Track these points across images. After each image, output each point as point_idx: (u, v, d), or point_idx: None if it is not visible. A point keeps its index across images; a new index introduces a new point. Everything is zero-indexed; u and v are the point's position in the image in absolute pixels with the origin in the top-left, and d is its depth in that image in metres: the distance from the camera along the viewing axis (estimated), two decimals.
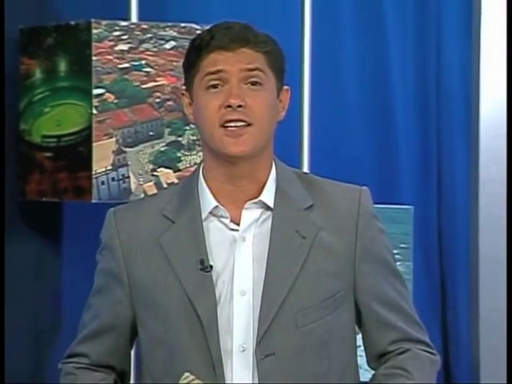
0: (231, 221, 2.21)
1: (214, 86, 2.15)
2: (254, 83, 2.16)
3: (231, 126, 2.15)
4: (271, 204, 2.21)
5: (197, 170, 2.27)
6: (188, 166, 3.28)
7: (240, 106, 2.14)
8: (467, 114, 3.51)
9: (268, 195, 2.22)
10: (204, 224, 2.22)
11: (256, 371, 2.17)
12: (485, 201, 3.36)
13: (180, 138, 3.29)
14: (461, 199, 3.67)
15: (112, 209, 2.31)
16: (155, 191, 3.19)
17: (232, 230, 2.20)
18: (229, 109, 2.14)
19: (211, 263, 2.19)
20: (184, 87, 2.24)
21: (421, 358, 2.25)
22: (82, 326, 2.30)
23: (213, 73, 2.15)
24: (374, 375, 2.25)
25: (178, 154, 3.29)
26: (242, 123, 2.15)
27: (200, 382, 2.14)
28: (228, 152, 2.16)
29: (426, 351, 2.26)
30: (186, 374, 2.17)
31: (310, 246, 2.20)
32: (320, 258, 2.20)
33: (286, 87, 2.22)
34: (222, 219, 2.21)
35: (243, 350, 2.18)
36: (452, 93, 3.78)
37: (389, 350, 2.25)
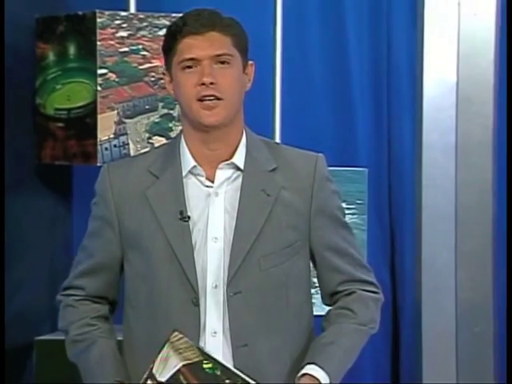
0: (207, 178, 2.22)
1: (189, 67, 2.18)
2: (222, 62, 2.18)
3: (206, 100, 2.16)
4: (241, 166, 2.23)
5: (179, 136, 2.29)
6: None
7: (212, 84, 2.16)
8: (413, 89, 3.50)
9: (239, 158, 2.24)
10: (184, 180, 2.23)
11: (226, 306, 2.18)
12: (427, 163, 3.34)
13: (172, 111, 3.27)
14: (407, 162, 3.65)
15: (106, 164, 2.34)
16: None
17: (207, 186, 2.22)
18: (203, 86, 2.15)
19: (189, 214, 2.21)
20: (165, 67, 2.26)
21: (364, 299, 2.27)
22: (77, 263, 2.33)
23: (189, 58, 2.17)
24: (327, 313, 2.28)
25: (170, 125, 3.27)
26: (214, 98, 2.17)
27: (189, 340, 2.13)
28: (204, 122, 2.18)
29: (369, 291, 2.28)
30: (176, 333, 2.15)
31: (274, 202, 2.22)
32: (281, 213, 2.22)
33: (250, 62, 2.24)
34: (198, 177, 2.23)
35: (215, 287, 2.19)
36: (400, 71, 3.75)
37: (338, 290, 2.28)
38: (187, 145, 2.26)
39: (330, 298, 2.29)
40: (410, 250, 3.57)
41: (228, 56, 2.18)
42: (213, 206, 2.22)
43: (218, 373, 2.11)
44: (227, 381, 2.11)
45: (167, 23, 3.23)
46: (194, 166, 2.22)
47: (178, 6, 3.33)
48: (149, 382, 2.11)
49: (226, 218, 2.21)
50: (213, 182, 2.23)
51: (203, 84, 2.16)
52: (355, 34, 3.78)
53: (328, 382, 2.14)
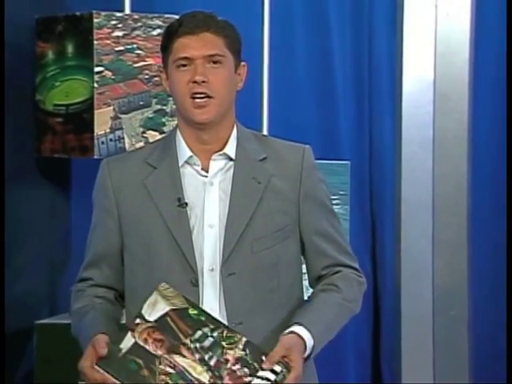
0: (202, 169, 2.23)
1: (184, 65, 2.18)
2: (215, 62, 2.18)
3: (198, 98, 2.17)
4: (233, 156, 2.24)
5: (174, 129, 2.30)
6: (171, 129, 3.29)
7: (204, 82, 2.16)
8: (392, 86, 3.50)
9: (230, 149, 2.25)
10: (180, 170, 2.24)
11: (221, 287, 2.19)
12: (406, 157, 3.34)
13: (165, 107, 3.27)
14: (387, 155, 3.66)
15: (105, 159, 2.34)
16: None
17: (202, 176, 2.23)
18: (195, 84, 2.16)
19: (186, 201, 2.21)
20: (162, 65, 2.25)
21: (349, 278, 2.28)
22: (85, 257, 2.34)
23: (183, 57, 2.17)
24: (313, 291, 2.28)
25: (163, 120, 3.28)
26: (206, 96, 2.17)
27: (177, 292, 2.15)
28: (195, 119, 2.19)
29: (354, 274, 2.30)
30: (163, 283, 2.17)
31: (264, 189, 2.23)
32: (272, 199, 2.23)
33: (242, 63, 2.24)
34: (194, 167, 2.23)
35: (212, 270, 2.20)
36: (381, 70, 3.76)
37: (322, 273, 2.28)
38: (183, 137, 2.26)
39: (316, 281, 2.30)
40: (389, 238, 3.58)
41: (220, 56, 2.19)
42: (208, 195, 2.22)
43: (203, 318, 2.13)
44: (211, 326, 2.12)
45: (160, 23, 3.27)
46: (191, 156, 2.23)
47: (170, 7, 3.42)
48: (137, 320, 2.11)
49: (221, 205, 2.21)
50: (207, 172, 2.23)
51: (195, 82, 2.16)
52: (338, 34, 3.78)
53: (312, 343, 2.15)
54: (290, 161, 2.27)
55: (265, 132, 3.30)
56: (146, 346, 2.10)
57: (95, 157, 3.18)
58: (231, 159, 2.25)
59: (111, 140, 3.22)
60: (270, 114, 3.35)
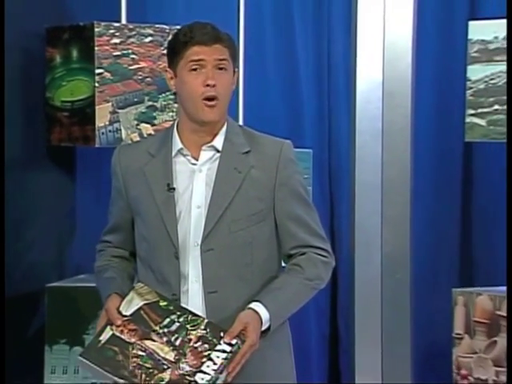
0: (192, 157, 2.23)
1: (195, 69, 2.17)
2: (221, 68, 2.18)
3: (209, 100, 2.17)
4: (220, 148, 2.24)
5: (172, 125, 2.29)
6: (161, 122, 3.25)
7: (214, 86, 2.16)
8: (348, 84, 3.44)
9: (218, 142, 2.24)
10: (174, 159, 2.24)
11: (201, 260, 2.19)
12: (359, 145, 3.30)
13: (155, 103, 3.26)
14: (344, 144, 3.62)
15: (118, 147, 2.36)
16: (138, 139, 3.17)
17: (193, 164, 2.23)
18: (207, 87, 2.16)
19: (174, 186, 2.21)
20: (167, 65, 2.24)
21: (313, 259, 2.26)
22: (107, 224, 2.38)
23: (195, 60, 2.17)
24: (280, 271, 2.29)
25: (154, 114, 3.26)
26: (214, 98, 2.17)
27: (151, 289, 2.18)
28: (205, 119, 2.19)
29: (320, 255, 2.26)
30: (140, 283, 2.22)
31: (243, 178, 2.22)
32: (249, 187, 2.22)
33: (236, 69, 2.25)
34: (187, 157, 2.23)
35: (196, 245, 2.20)
36: (338, 71, 3.73)
37: (291, 253, 2.26)
38: (178, 132, 2.25)
39: (287, 259, 2.28)
40: (345, 214, 3.57)
41: (226, 62, 2.19)
42: (196, 180, 2.22)
43: (171, 308, 2.15)
44: (178, 313, 2.14)
45: (151, 32, 3.26)
46: (182, 148, 2.24)
47: (160, 19, 3.43)
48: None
49: (207, 190, 2.21)
50: (197, 160, 2.24)
51: (208, 85, 2.16)
52: (302, 38, 3.76)
53: (268, 317, 2.14)
54: (270, 154, 2.25)
55: (240, 122, 3.27)
56: (122, 336, 2.12)
57: (96, 145, 3.19)
58: (218, 151, 2.24)
59: (110, 131, 3.21)
60: (245, 107, 3.34)
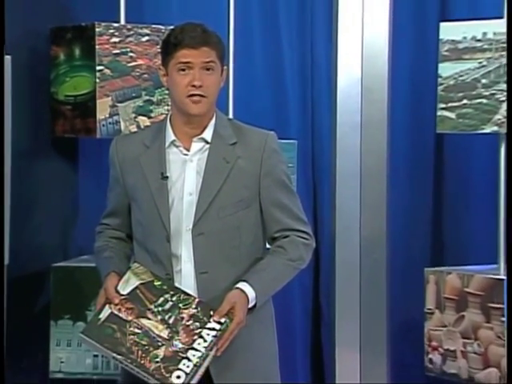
0: (184, 148, 2.24)
1: (183, 70, 2.17)
2: (207, 69, 2.18)
3: (194, 96, 2.18)
4: (209, 140, 2.24)
5: (166, 118, 2.29)
6: (157, 115, 3.25)
7: (200, 86, 2.17)
8: (330, 81, 3.41)
9: (208, 134, 2.24)
10: (167, 150, 2.24)
11: (192, 243, 2.19)
12: (339, 136, 3.30)
13: (152, 98, 3.27)
14: (326, 135, 3.59)
15: (115, 137, 2.36)
16: (136, 130, 3.17)
17: (184, 154, 2.24)
18: (193, 87, 2.17)
19: (167, 175, 2.21)
20: (160, 64, 2.24)
21: (296, 241, 2.26)
22: (106, 207, 2.38)
23: (184, 62, 2.17)
24: (265, 253, 2.28)
25: (151, 108, 3.27)
26: (200, 95, 2.18)
27: (146, 269, 2.18)
28: (191, 112, 2.20)
29: (302, 237, 2.26)
30: (136, 263, 2.20)
31: (231, 168, 2.22)
32: (237, 176, 2.23)
33: (225, 67, 2.25)
34: (179, 148, 2.24)
35: (188, 230, 2.20)
36: (321, 67, 3.69)
37: (275, 236, 2.27)
38: (171, 124, 2.26)
39: (271, 241, 2.29)
40: (327, 200, 3.55)
41: (213, 64, 2.19)
42: (188, 169, 2.23)
43: (165, 287, 2.15)
44: (171, 292, 2.14)
45: (148, 32, 3.26)
46: (174, 140, 2.24)
47: (156, 19, 3.41)
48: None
49: (197, 178, 2.21)
50: (189, 151, 2.24)
51: (193, 86, 2.16)
52: (287, 38, 3.75)
53: (254, 295, 2.14)
54: (255, 145, 2.25)
55: (231, 115, 3.26)
56: (120, 314, 2.11)
57: (97, 136, 3.19)
58: (208, 142, 2.24)
59: (110, 123, 3.21)
60: (235, 101, 3.34)
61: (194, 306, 2.12)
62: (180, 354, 2.06)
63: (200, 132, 2.25)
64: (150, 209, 2.22)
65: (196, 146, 2.26)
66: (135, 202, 2.28)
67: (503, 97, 3.08)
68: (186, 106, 2.20)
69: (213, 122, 2.26)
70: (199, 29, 2.19)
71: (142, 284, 2.16)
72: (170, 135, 2.26)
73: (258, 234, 2.28)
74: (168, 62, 2.21)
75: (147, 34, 3.28)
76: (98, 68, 3.20)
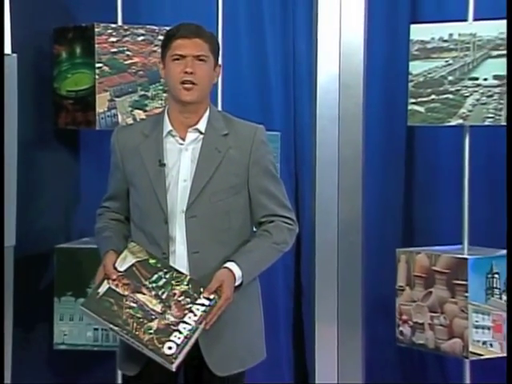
0: (180, 138, 2.26)
1: (178, 59, 2.21)
2: (200, 60, 2.21)
3: (186, 83, 2.20)
4: (203, 130, 2.27)
5: (163, 110, 2.32)
6: (152, 108, 3.25)
7: (191, 73, 2.19)
8: (310, 76, 3.40)
9: (202, 125, 2.27)
10: (164, 139, 2.26)
11: (185, 225, 2.21)
12: (319, 128, 3.29)
13: (147, 93, 3.26)
14: (306, 128, 3.60)
15: (116, 127, 2.39)
16: (132, 122, 3.14)
17: (180, 144, 2.26)
18: (185, 74, 2.20)
19: (164, 162, 2.23)
20: (160, 58, 2.27)
21: (280, 226, 2.29)
22: (106, 192, 2.41)
23: (178, 54, 2.20)
24: (252, 235, 2.31)
25: (146, 102, 3.27)
26: (191, 83, 2.20)
27: (142, 248, 2.19)
28: (183, 99, 2.22)
29: (286, 223, 2.29)
30: (132, 243, 2.22)
31: (223, 157, 2.25)
32: (227, 164, 2.25)
33: (219, 64, 2.29)
34: (175, 137, 2.26)
35: (182, 212, 2.22)
36: (301, 64, 3.71)
37: (261, 221, 2.29)
38: (168, 116, 2.28)
39: (258, 226, 2.31)
40: (308, 187, 3.55)
41: (204, 56, 2.21)
42: (183, 157, 2.25)
43: (159, 265, 2.17)
44: (165, 270, 2.15)
45: (143, 32, 3.27)
46: (171, 130, 2.26)
47: (151, 20, 3.43)
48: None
49: (192, 166, 2.24)
50: (184, 141, 2.26)
51: (186, 72, 2.19)
52: (271, 37, 3.76)
53: (241, 274, 2.17)
54: (245, 136, 2.27)
55: (219, 109, 3.18)
56: (117, 289, 2.13)
57: (97, 128, 3.19)
58: (202, 133, 2.27)
59: (108, 116, 3.21)
60: (223, 96, 3.34)
61: (185, 283, 2.15)
62: (172, 326, 2.09)
63: (195, 123, 2.27)
64: (148, 193, 2.24)
65: (191, 136, 2.28)
66: (134, 186, 2.30)
67: (467, 92, 3.11)
68: (179, 92, 2.21)
69: (207, 114, 2.28)
70: (193, 25, 2.25)
71: (137, 262, 2.18)
72: (168, 126, 2.28)
73: (246, 219, 2.30)
74: (165, 53, 2.25)
75: (142, 34, 3.29)
76: (97, 65, 3.21)
